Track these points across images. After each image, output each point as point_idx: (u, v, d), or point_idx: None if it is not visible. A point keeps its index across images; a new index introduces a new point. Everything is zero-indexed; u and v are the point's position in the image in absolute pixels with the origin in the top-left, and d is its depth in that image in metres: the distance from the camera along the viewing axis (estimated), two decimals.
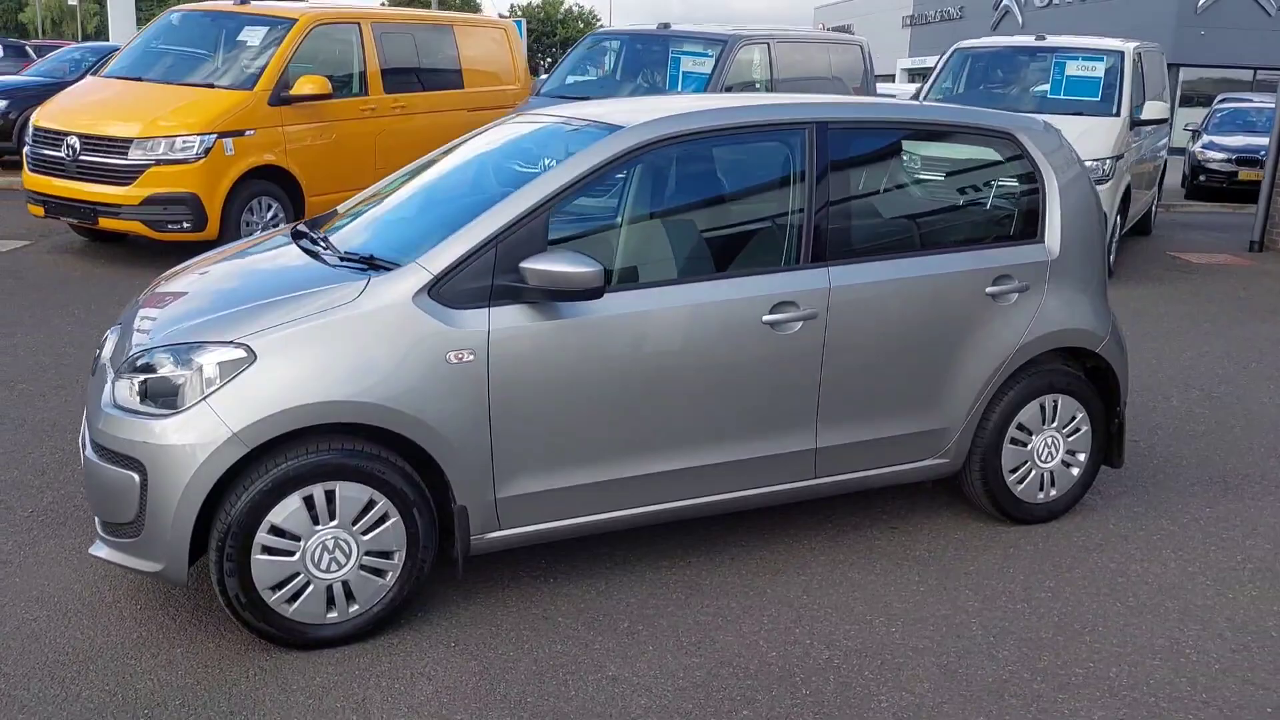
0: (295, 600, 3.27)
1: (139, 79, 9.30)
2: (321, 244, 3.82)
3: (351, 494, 3.26)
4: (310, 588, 3.27)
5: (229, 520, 3.14)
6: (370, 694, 3.12)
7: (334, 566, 3.29)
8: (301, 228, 4.15)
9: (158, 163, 8.44)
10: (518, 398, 3.40)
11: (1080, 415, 4.38)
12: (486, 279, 3.38)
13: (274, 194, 8.99)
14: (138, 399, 3.21)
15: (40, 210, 8.99)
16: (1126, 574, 4.01)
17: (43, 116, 9.06)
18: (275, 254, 3.88)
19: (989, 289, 4.10)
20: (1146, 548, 4.23)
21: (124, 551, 3.26)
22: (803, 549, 4.12)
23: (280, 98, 8.93)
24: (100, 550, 3.33)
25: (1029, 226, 4.28)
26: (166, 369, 3.20)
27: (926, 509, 4.49)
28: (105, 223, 8.58)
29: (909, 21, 45.69)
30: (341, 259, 3.59)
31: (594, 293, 3.37)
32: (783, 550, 4.11)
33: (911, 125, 4.30)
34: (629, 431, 3.59)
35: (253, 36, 9.31)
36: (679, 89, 10.02)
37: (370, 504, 3.29)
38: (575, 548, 4.02)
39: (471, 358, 3.33)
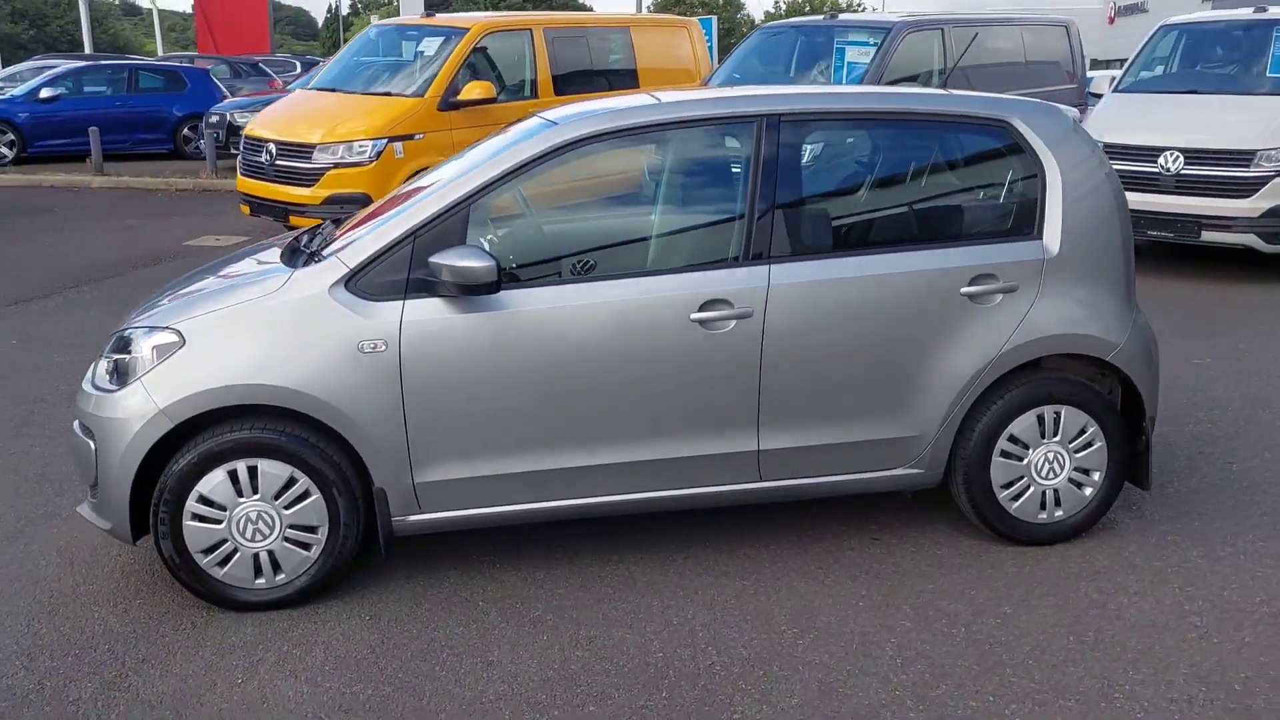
0: (225, 565, 3.58)
1: (334, 90, 10.19)
2: (304, 245, 4.10)
3: (273, 470, 3.53)
4: (238, 554, 3.57)
5: (163, 488, 3.50)
6: (266, 655, 3.38)
7: (258, 537, 3.57)
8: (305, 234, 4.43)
9: (335, 165, 9.23)
10: (432, 387, 3.55)
11: (1092, 429, 3.98)
12: (403, 272, 3.55)
13: None
14: (108, 377, 3.63)
15: (247, 210, 10.06)
16: (1105, 608, 3.62)
17: (251, 126, 10.12)
18: (260, 255, 4.21)
19: (965, 289, 3.81)
20: (1151, 581, 3.79)
21: (93, 510, 3.70)
22: (764, 554, 4.01)
23: (449, 103, 9.51)
24: (83, 508, 3.78)
25: (1025, 222, 3.93)
26: (128, 351, 3.60)
27: (920, 522, 4.23)
28: (295, 220, 9.48)
29: None
30: (293, 254, 3.88)
31: (489, 287, 3.46)
32: (743, 553, 4.01)
33: (887, 115, 4.03)
34: (550, 425, 3.64)
35: (430, 46, 9.98)
36: (843, 80, 9.78)
37: (291, 480, 3.55)
38: (534, 537, 4.11)
39: (384, 347, 3.51)
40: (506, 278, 3.59)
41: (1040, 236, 3.91)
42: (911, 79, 9.50)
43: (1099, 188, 3.96)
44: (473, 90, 9.54)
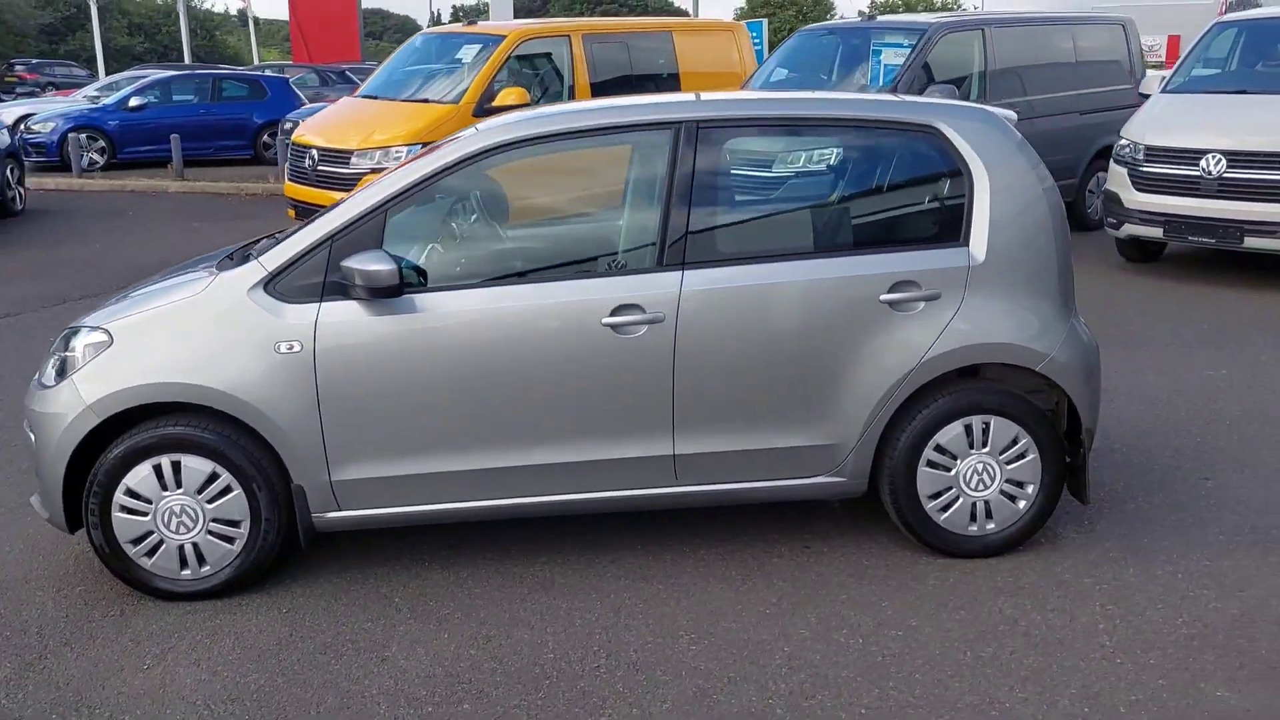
0: (152, 555, 3.74)
1: (376, 97, 10.46)
2: (251, 248, 4.24)
3: (196, 466, 3.68)
4: (164, 546, 3.73)
5: (93, 480, 3.67)
6: (179, 644, 3.52)
7: (182, 529, 3.72)
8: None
9: (372, 170, 9.46)
10: (345, 388, 3.65)
11: (1024, 441, 3.88)
12: (320, 276, 3.66)
13: None
14: (54, 374, 3.82)
15: (293, 213, 10.36)
16: (1016, 624, 3.53)
17: (298, 133, 10.45)
18: (207, 261, 4.36)
19: (884, 296, 3.76)
20: (1074, 598, 3.68)
21: (39, 501, 3.90)
22: (689, 559, 4.01)
23: (484, 110, 9.64)
24: (34, 499, 3.99)
25: (951, 229, 3.86)
26: (67, 350, 3.79)
27: (858, 532, 4.17)
28: None
29: None
30: (230, 258, 4.03)
31: (391, 290, 3.55)
32: (669, 558, 4.02)
33: (810, 121, 3.99)
34: (465, 426, 3.71)
35: (468, 54, 10.16)
36: (879, 83, 9.65)
37: (214, 476, 3.69)
38: (470, 536, 4.18)
39: (299, 348, 3.62)
40: (420, 281, 3.68)
41: (967, 244, 3.83)
42: (954, 82, 9.33)
43: (1031, 195, 3.86)
44: (507, 97, 9.66)
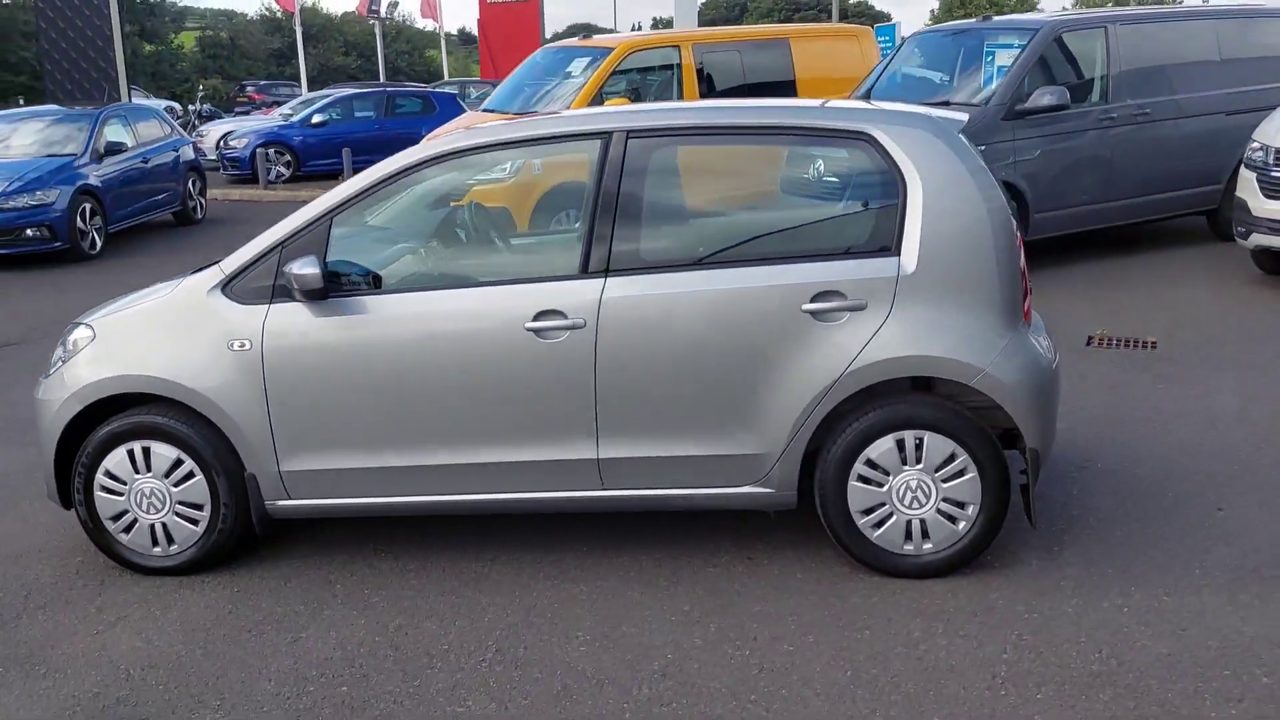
0: (128, 532, 4.10)
1: (493, 110, 10.88)
2: None
3: (163, 452, 4.01)
4: (138, 523, 4.09)
5: (79, 461, 4.07)
6: (133, 613, 3.85)
7: (152, 509, 4.06)
8: None
9: (479, 181, 9.87)
10: (290, 384, 3.90)
11: (962, 459, 3.72)
12: (270, 279, 3.92)
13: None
14: (52, 365, 4.26)
15: None
16: (916, 648, 3.39)
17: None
18: None
19: (806, 306, 3.69)
20: (994, 626, 3.50)
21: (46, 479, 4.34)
22: (625, 563, 4.05)
23: None
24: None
25: (883, 238, 3.74)
26: (65, 343, 4.21)
27: (807, 545, 4.07)
28: None
29: None
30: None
31: (317, 293, 3.77)
32: (608, 560, 4.07)
33: (742, 129, 3.93)
34: (402, 424, 3.89)
35: (577, 67, 10.44)
36: (992, 84, 9.28)
37: (179, 462, 4.02)
38: (440, 529, 4.36)
39: (250, 346, 3.90)
40: (369, 286, 3.89)
41: (898, 253, 3.70)
42: (1074, 83, 8.86)
43: (968, 203, 3.69)
44: (613, 105, 9.89)
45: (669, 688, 3.24)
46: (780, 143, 3.90)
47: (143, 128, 13.48)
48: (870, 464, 3.76)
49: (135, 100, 36.82)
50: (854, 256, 3.75)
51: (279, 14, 42.60)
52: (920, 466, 3.74)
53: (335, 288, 3.89)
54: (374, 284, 3.93)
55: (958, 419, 3.70)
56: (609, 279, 3.78)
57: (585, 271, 3.80)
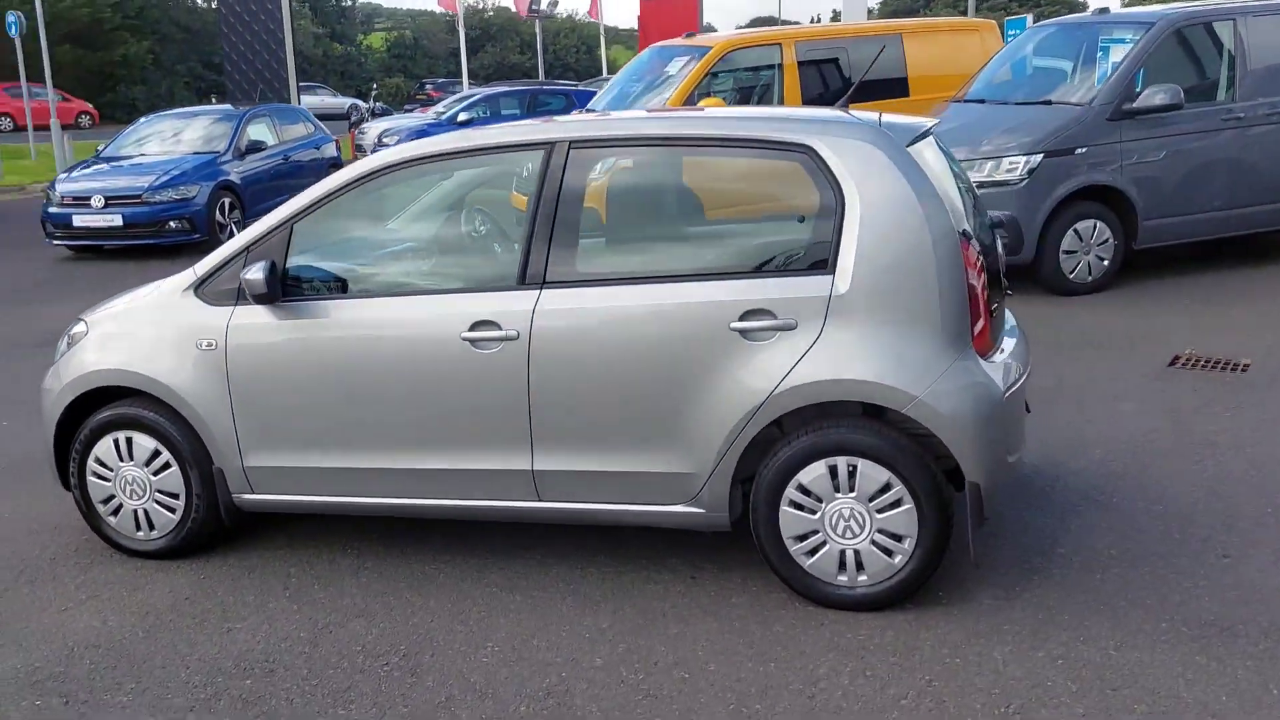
0: (115, 515, 4.36)
1: (590, 111, 10.94)
2: None
3: (143, 443, 4.24)
4: (123, 508, 4.34)
5: (75, 447, 4.35)
6: (104, 592, 4.09)
7: (135, 496, 4.30)
8: None
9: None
10: (251, 383, 4.05)
11: (897, 489, 3.52)
12: (235, 282, 4.08)
13: None
14: (60, 356, 4.56)
15: None
16: (814, 685, 3.24)
17: None
18: None
19: (735, 324, 3.56)
20: (906, 669, 3.30)
21: None
22: (570, 575, 4.02)
23: None
24: None
25: (818, 255, 3.57)
26: (67, 337, 4.51)
27: (760, 568, 3.94)
28: None
29: None
30: None
31: (263, 297, 3.90)
32: (556, 571, 4.05)
33: (682, 140, 3.80)
34: (352, 427, 3.98)
35: (675, 66, 10.38)
36: (1102, 82, 8.71)
37: (157, 452, 4.24)
38: (406, 530, 4.45)
39: (215, 346, 4.08)
40: (314, 289, 4.01)
41: (832, 272, 3.53)
42: (1195, 82, 8.22)
43: (909, 221, 3.48)
44: (708, 106, 9.79)
45: (547, 707, 3.21)
46: (721, 154, 3.78)
47: (286, 127, 14.23)
48: (802, 489, 3.60)
49: (322, 98, 38.86)
50: (787, 274, 3.60)
51: (448, 15, 44.19)
52: (854, 495, 3.57)
53: (297, 292, 4.03)
54: (340, 289, 4.04)
55: (893, 447, 3.50)
56: (544, 291, 3.76)
57: (522, 283, 3.79)
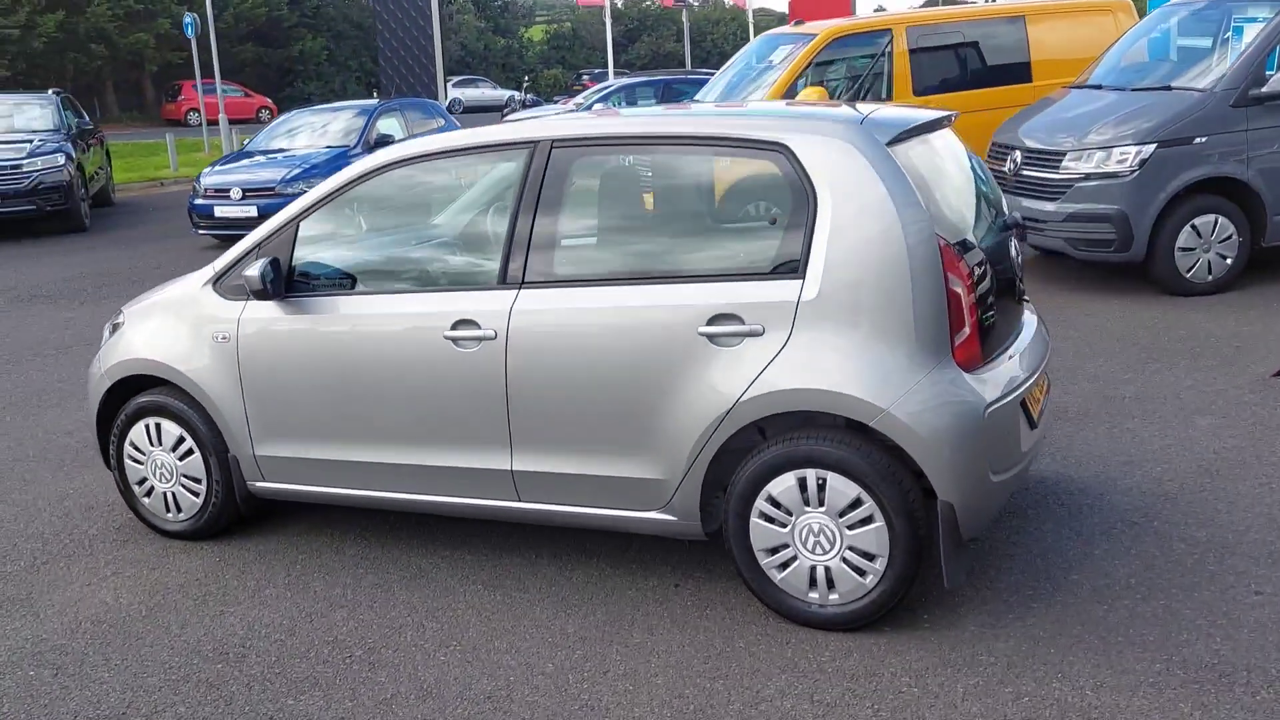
0: (148, 497, 4.59)
1: (697, 101, 10.82)
2: None
3: (170, 430, 4.45)
4: (154, 491, 4.56)
5: (113, 431, 4.60)
6: (125, 570, 4.30)
7: (163, 479, 4.52)
8: None
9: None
10: (259, 375, 4.19)
11: (868, 505, 3.34)
12: None
13: None
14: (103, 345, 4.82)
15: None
16: (756, 709, 3.10)
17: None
18: None
19: (702, 329, 3.45)
20: (856, 697, 3.13)
21: None
22: (554, 574, 4.00)
23: None
24: None
25: (789, 259, 3.41)
26: (112, 327, 4.77)
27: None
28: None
29: None
30: None
31: (259, 294, 4.02)
32: (544, 573, 4.04)
33: (660, 139, 3.67)
34: (347, 420, 4.07)
35: (779, 55, 10.17)
36: (1229, 65, 8.05)
37: (181, 439, 4.44)
38: (428, 524, 4.52)
39: (229, 338, 4.23)
40: (319, 286, 4.11)
41: (802, 276, 3.37)
42: None
43: (884, 225, 3.29)
44: (808, 96, 9.55)
45: (483, 711, 3.19)
46: (696, 153, 3.65)
47: (417, 121, 14.65)
48: (772, 501, 3.47)
49: (483, 90, 39.89)
50: (757, 278, 3.46)
51: (591, 9, 44.52)
52: (824, 509, 3.41)
53: (303, 288, 4.14)
54: (339, 286, 4.13)
55: (865, 461, 3.32)
56: (521, 291, 3.74)
57: (502, 282, 3.78)
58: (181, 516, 4.54)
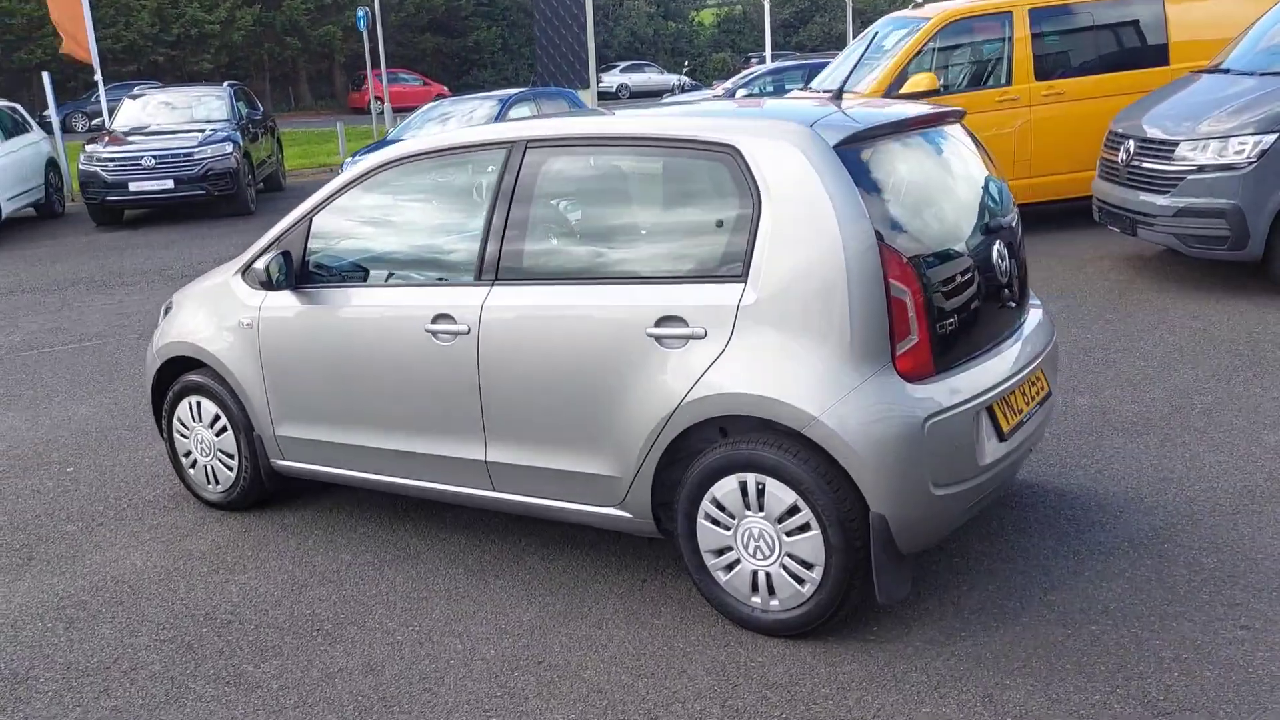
0: (192, 469, 4.94)
1: (807, 88, 10.62)
2: None
3: (209, 408, 4.78)
4: (197, 464, 4.91)
5: (164, 407, 4.98)
6: (163, 535, 4.65)
7: (203, 453, 4.86)
8: None
9: None
10: (277, 360, 4.45)
11: (804, 512, 3.29)
12: None
13: None
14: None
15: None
16: (666, 710, 3.11)
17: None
18: None
19: (650, 330, 3.46)
20: (768, 708, 3.08)
21: None
22: (540, 564, 4.10)
23: (893, 98, 9.39)
24: None
25: (734, 263, 3.37)
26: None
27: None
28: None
29: None
30: None
31: (265, 285, 4.29)
32: (530, 564, 4.15)
33: (622, 140, 3.67)
34: (348, 405, 4.28)
35: (892, 39, 9.88)
36: None
37: (217, 417, 4.77)
38: (425, 504, 4.72)
39: (252, 325, 4.52)
40: (331, 277, 4.33)
41: (745, 281, 3.33)
42: None
43: (825, 230, 3.21)
44: (918, 83, 9.26)
45: (413, 692, 3.32)
46: (655, 155, 3.63)
47: (548, 108, 14.96)
48: (717, 504, 3.46)
49: (649, 75, 40.18)
50: (703, 280, 3.44)
51: None
52: (764, 515, 3.38)
53: (318, 279, 4.37)
54: (344, 278, 4.35)
55: (801, 469, 3.27)
56: (494, 287, 3.84)
57: (478, 278, 3.90)
58: (219, 488, 4.87)
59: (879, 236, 3.24)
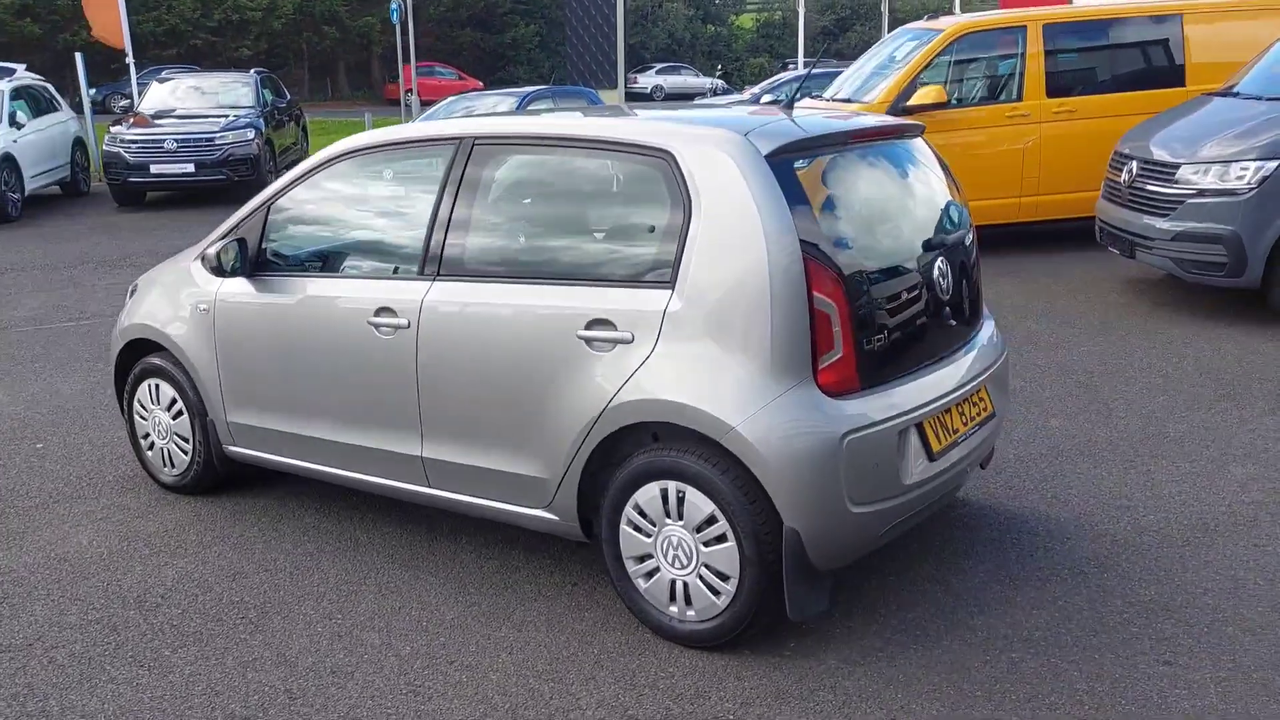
0: (150, 451, 4.97)
1: (816, 96, 10.56)
2: None
3: (166, 391, 4.81)
4: (155, 446, 4.94)
5: (125, 389, 5.02)
6: (116, 515, 4.69)
7: (160, 436, 4.89)
8: None
9: None
10: (229, 346, 4.47)
11: (721, 523, 3.26)
12: None
13: None
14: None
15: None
16: (558, 706, 3.08)
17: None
18: None
19: (580, 333, 3.44)
20: (676, 718, 3.05)
21: None
22: (485, 566, 4.09)
23: (899, 109, 9.29)
24: None
25: (664, 268, 3.34)
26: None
27: None
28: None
29: None
30: None
31: (216, 271, 4.31)
32: (490, 560, 4.14)
33: (566, 141, 3.64)
34: (293, 395, 4.28)
35: (903, 51, 9.79)
36: None
37: (174, 400, 4.80)
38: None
39: (208, 310, 4.54)
40: (283, 265, 4.34)
41: (672, 287, 3.30)
42: None
43: (750, 238, 3.17)
44: (926, 95, 9.18)
45: (321, 685, 3.31)
46: (595, 156, 3.60)
47: (564, 106, 14.97)
48: (639, 510, 3.43)
49: (685, 78, 40.21)
50: (633, 285, 3.41)
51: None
52: (683, 523, 3.34)
53: (273, 267, 4.39)
54: (297, 268, 4.36)
55: (720, 479, 3.23)
56: (436, 282, 3.83)
57: (421, 273, 3.89)
58: (174, 471, 4.89)
59: (809, 247, 3.20)
